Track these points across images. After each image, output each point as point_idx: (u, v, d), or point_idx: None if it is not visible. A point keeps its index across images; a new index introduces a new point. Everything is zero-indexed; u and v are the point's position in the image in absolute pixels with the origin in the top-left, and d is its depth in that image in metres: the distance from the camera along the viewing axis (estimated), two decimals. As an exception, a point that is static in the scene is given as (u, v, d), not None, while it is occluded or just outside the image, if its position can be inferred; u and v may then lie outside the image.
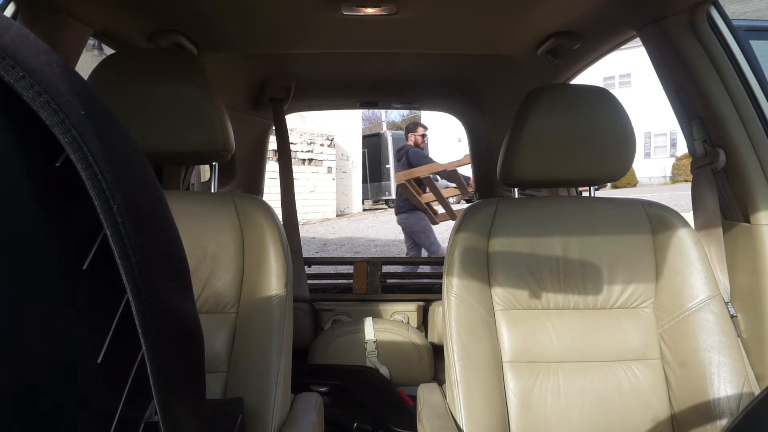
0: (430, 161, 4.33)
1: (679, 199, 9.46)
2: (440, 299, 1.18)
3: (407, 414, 1.64)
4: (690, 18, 1.19)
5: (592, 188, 1.30)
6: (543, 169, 1.18)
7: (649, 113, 17.36)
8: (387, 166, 14.45)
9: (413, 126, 4.52)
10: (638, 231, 1.16)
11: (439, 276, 1.17)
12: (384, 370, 1.82)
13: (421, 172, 3.98)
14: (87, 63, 1.32)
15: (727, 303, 1.13)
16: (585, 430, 1.06)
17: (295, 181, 2.23)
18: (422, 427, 1.09)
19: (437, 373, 1.88)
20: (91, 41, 1.35)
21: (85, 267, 0.33)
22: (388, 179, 14.51)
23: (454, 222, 1.21)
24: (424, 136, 4.47)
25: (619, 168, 1.18)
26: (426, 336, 1.93)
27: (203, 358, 0.46)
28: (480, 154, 2.75)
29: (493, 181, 2.51)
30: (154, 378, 0.34)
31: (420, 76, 2.29)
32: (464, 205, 4.31)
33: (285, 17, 1.47)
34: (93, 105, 0.32)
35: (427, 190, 4.11)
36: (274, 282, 1.08)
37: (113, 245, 0.31)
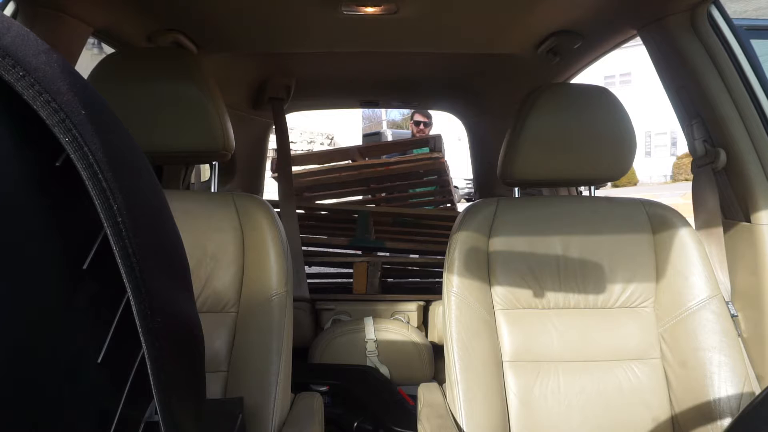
0: None
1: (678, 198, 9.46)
2: (440, 299, 1.18)
3: (407, 413, 1.64)
4: (690, 17, 1.19)
5: (592, 187, 1.30)
6: (543, 169, 1.18)
7: (649, 112, 17.37)
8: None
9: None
10: (638, 230, 1.16)
11: (439, 276, 1.17)
12: (384, 370, 1.82)
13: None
14: (87, 62, 1.32)
15: (727, 302, 1.13)
16: (585, 429, 1.06)
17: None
18: (422, 427, 1.09)
19: (437, 373, 1.88)
20: (90, 40, 1.35)
21: (85, 266, 0.33)
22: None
23: (455, 221, 1.21)
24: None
25: (619, 167, 1.18)
26: (426, 335, 1.93)
27: (203, 358, 0.46)
28: (480, 153, 2.75)
29: (493, 181, 2.51)
30: (155, 377, 0.34)
31: (420, 76, 2.29)
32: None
33: (285, 17, 1.47)
34: (93, 104, 0.32)
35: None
36: (274, 281, 1.08)
37: (114, 245, 0.31)
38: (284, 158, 2.19)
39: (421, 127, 3.29)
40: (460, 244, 1.14)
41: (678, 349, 1.08)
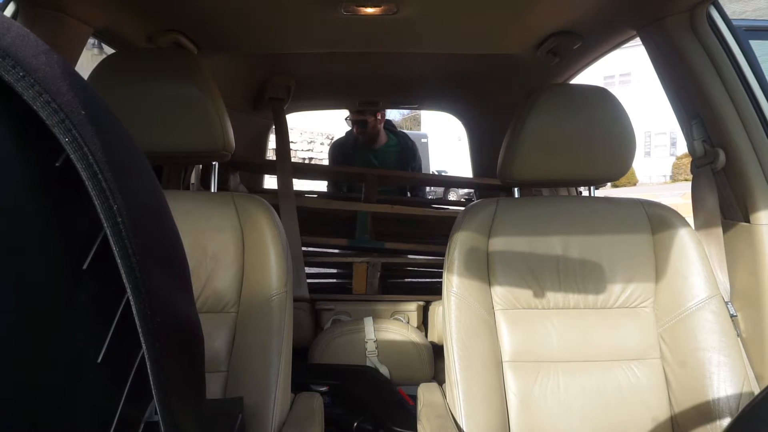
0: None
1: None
2: (440, 299, 1.18)
3: (407, 413, 1.64)
4: (690, 18, 1.19)
5: (591, 188, 1.30)
6: (542, 169, 1.18)
7: (649, 112, 17.37)
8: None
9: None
10: (638, 230, 1.16)
11: (439, 276, 1.17)
12: (384, 370, 1.82)
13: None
14: (87, 62, 1.32)
15: (726, 303, 1.13)
16: (585, 429, 1.06)
17: (294, 179, 2.21)
18: (422, 427, 1.09)
19: (437, 373, 1.88)
20: (90, 40, 1.35)
21: (85, 267, 0.33)
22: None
23: (455, 221, 1.22)
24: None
25: (619, 167, 1.18)
26: (426, 335, 1.93)
27: (203, 358, 0.46)
28: (480, 153, 2.75)
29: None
30: (154, 377, 0.34)
31: (420, 76, 2.30)
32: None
33: (285, 17, 1.47)
34: (93, 105, 0.32)
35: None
36: (274, 281, 1.08)
37: (113, 245, 0.31)
38: (283, 159, 2.18)
39: (356, 129, 2.63)
40: (459, 244, 1.14)
41: (677, 349, 1.08)
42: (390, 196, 2.52)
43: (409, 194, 2.81)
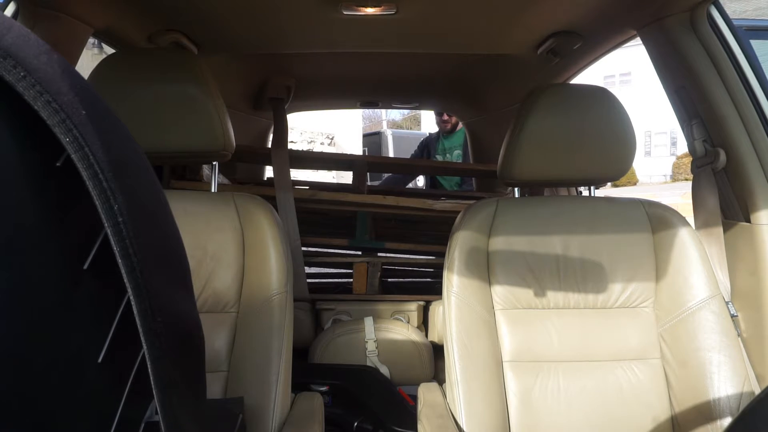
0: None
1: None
2: (440, 299, 1.18)
3: (407, 413, 1.64)
4: (690, 17, 1.19)
5: (592, 187, 1.30)
6: (543, 169, 1.18)
7: (649, 112, 17.37)
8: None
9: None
10: (638, 230, 1.16)
11: (439, 276, 1.17)
12: (384, 370, 1.82)
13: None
14: (87, 62, 1.32)
15: (727, 302, 1.13)
16: (585, 429, 1.06)
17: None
18: (422, 427, 1.09)
19: (437, 373, 1.88)
20: (91, 40, 1.35)
21: (85, 267, 0.33)
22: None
23: (455, 220, 1.22)
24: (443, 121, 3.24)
25: (619, 167, 1.18)
26: (426, 335, 1.93)
27: (204, 358, 0.46)
28: (480, 153, 2.75)
29: (493, 181, 2.51)
30: (155, 377, 0.34)
31: (420, 76, 2.29)
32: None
33: (285, 17, 1.47)
34: (94, 105, 0.32)
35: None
36: (274, 281, 1.08)
37: (114, 245, 0.31)
38: (281, 149, 2.15)
39: (445, 117, 3.17)
40: (460, 243, 1.14)
41: (678, 349, 1.08)
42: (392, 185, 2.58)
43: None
